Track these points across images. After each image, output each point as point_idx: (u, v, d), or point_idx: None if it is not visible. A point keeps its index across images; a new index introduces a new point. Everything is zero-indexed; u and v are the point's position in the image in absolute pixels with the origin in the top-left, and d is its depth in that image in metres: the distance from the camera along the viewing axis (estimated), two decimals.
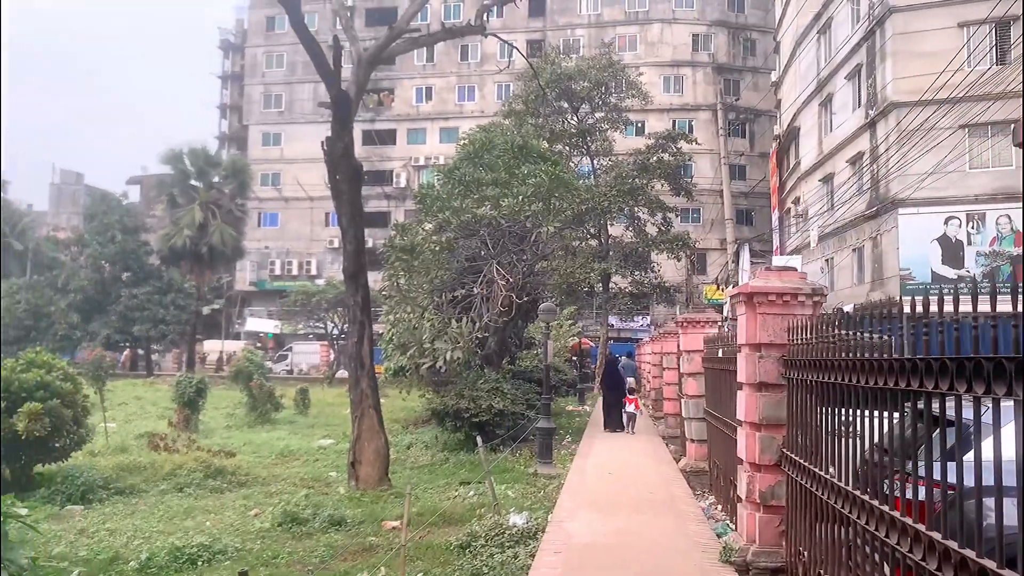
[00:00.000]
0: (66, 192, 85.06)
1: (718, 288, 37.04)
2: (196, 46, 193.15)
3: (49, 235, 60.63)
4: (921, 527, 3.52)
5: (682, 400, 13.47)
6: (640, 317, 47.91)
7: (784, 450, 6.42)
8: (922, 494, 3.67)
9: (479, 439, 9.93)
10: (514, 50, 17.24)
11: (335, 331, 47.13)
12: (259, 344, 53.71)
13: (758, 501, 6.63)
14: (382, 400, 12.97)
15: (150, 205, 57.73)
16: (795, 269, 7.17)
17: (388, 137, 59.26)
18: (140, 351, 49.00)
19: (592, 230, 33.58)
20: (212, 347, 54.89)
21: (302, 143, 57.88)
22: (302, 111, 60.23)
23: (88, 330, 44.59)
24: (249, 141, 62.42)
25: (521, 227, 17.49)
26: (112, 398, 24.69)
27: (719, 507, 9.72)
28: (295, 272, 58.34)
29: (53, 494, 10.64)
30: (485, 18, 14.29)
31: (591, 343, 39.37)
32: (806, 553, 5.67)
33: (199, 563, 7.73)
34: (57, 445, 11.23)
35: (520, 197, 16.24)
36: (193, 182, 45.77)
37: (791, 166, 37.55)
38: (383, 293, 19.33)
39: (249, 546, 8.38)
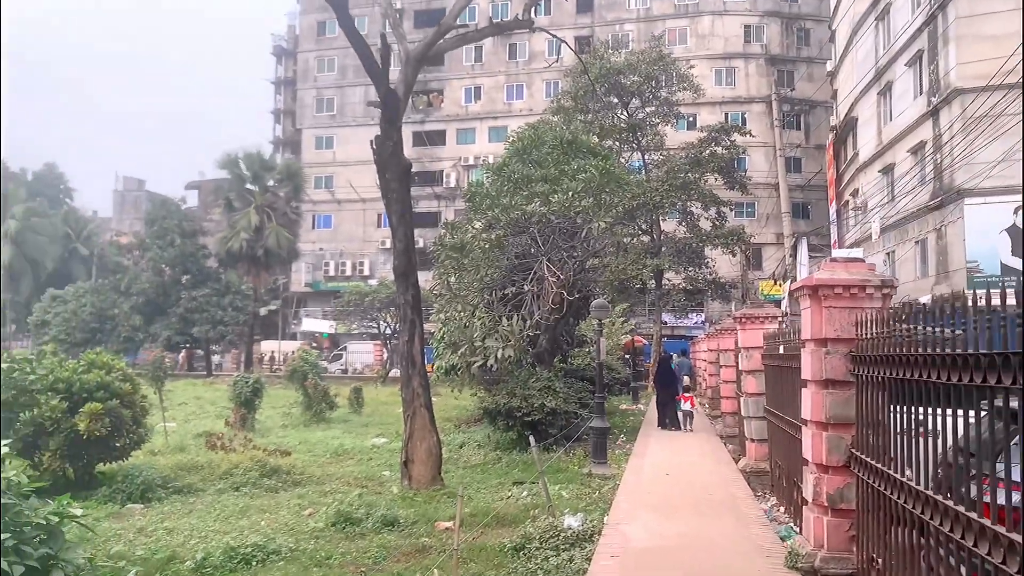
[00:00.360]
0: (129, 198, 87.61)
1: (775, 283, 36.21)
2: (252, 53, 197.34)
3: (112, 240, 62.52)
4: (1017, 537, 3.22)
5: (741, 398, 13.09)
6: (694, 314, 47.16)
7: (853, 451, 6.10)
8: (1008, 498, 3.38)
9: (532, 439, 9.75)
10: (562, 46, 17.02)
11: (388, 330, 47.52)
12: (315, 344, 54.50)
13: (826, 504, 6.31)
14: (434, 399, 12.90)
15: (208, 209, 59.07)
16: (863, 260, 6.81)
17: (438, 138, 59.53)
18: (200, 352, 50.15)
19: (644, 226, 33.13)
20: (269, 347, 55.91)
21: (354, 146, 58.55)
22: (353, 114, 60.91)
23: (150, 332, 45.80)
24: (302, 145, 63.40)
25: (571, 223, 17.26)
26: (172, 398, 25.27)
27: (782, 509, 9.38)
28: (348, 273, 59.04)
29: (114, 492, 10.80)
30: (532, 12, 14.12)
31: (644, 341, 38.87)
32: (880, 560, 5.35)
33: (253, 563, 7.72)
34: (118, 444, 11.40)
35: (570, 193, 16.00)
36: (249, 186, 46.71)
37: (849, 157, 36.46)
38: (433, 292, 19.31)
39: (303, 546, 8.35)
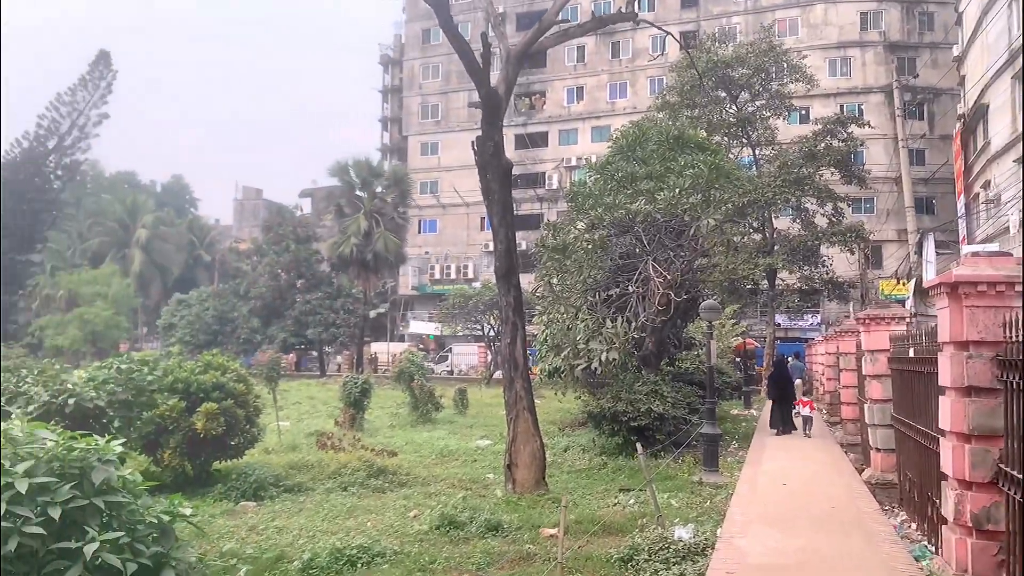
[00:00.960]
0: (248, 207, 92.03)
1: (898, 282, 34.13)
2: (360, 64, 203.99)
3: (233, 247, 65.72)
4: None
5: (864, 405, 12.25)
6: (809, 315, 45.13)
7: (1002, 466, 5.47)
8: None
9: (639, 445, 9.37)
10: (667, 41, 16.48)
11: (491, 332, 47.81)
12: (421, 346, 55.48)
13: (970, 524, 5.70)
14: (537, 401, 12.69)
15: (320, 216, 61.14)
16: (1010, 254, 6.13)
17: (540, 139, 59.52)
18: (314, 353, 51.95)
19: (755, 224, 31.89)
20: (379, 349, 57.36)
21: (457, 151, 59.28)
22: (457, 119, 61.72)
23: (267, 334, 47.78)
24: (408, 151, 64.76)
25: (679, 222, 16.69)
26: (287, 397, 26.15)
27: (913, 526, 8.65)
28: (453, 276, 59.84)
29: (229, 490, 11.13)
30: (636, 6, 13.71)
31: (755, 343, 37.46)
32: None
33: (359, 565, 7.71)
34: (232, 443, 11.77)
35: (677, 190, 15.47)
36: (359, 193, 48.07)
37: (979, 147, 33.94)
38: (535, 294, 19.10)
39: (407, 549, 8.30)
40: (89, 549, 5.00)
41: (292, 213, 58.28)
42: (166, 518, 5.75)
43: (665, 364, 18.89)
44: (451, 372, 50.54)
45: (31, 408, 9.47)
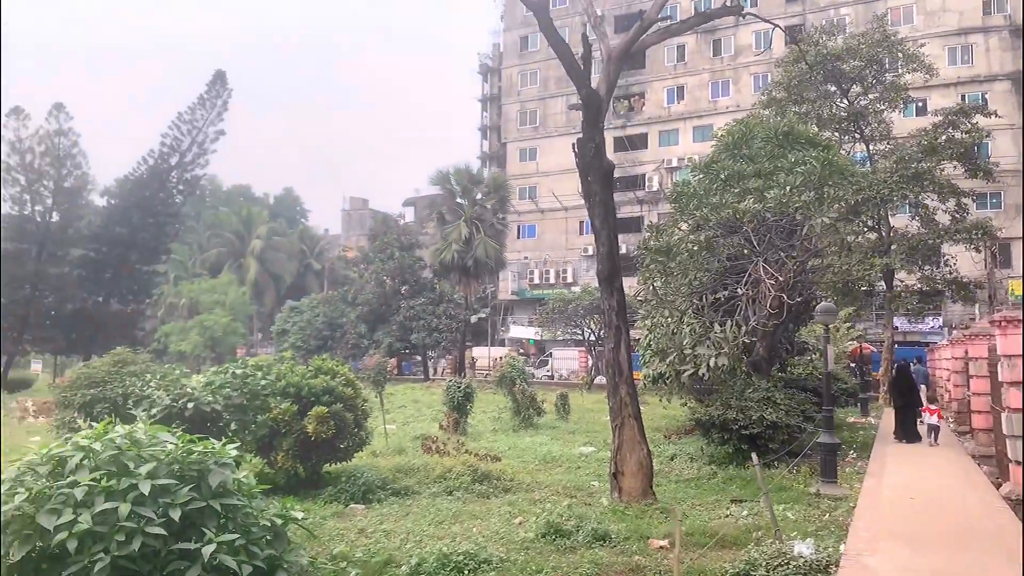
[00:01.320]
0: (355, 216, 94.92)
1: None
2: (460, 75, 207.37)
3: (341, 255, 67.91)
4: None
5: (1002, 414, 11.33)
6: (930, 318, 42.57)
7: None
8: None
9: (754, 456, 8.95)
10: (773, 35, 15.83)
11: (591, 337, 47.43)
12: (522, 350, 55.62)
13: None
14: (641, 408, 12.37)
15: (423, 223, 62.35)
16: None
17: (639, 141, 58.75)
18: (418, 357, 52.97)
19: (870, 222, 30.29)
20: (479, 353, 57.89)
21: (556, 156, 59.27)
22: (555, 124, 61.72)
23: (374, 338, 49.02)
24: (507, 158, 65.22)
25: (789, 221, 15.99)
26: (393, 401, 26.67)
27: None
28: (552, 280, 59.79)
29: (339, 492, 11.35)
30: None
31: (872, 348, 35.59)
32: None
33: (465, 572, 7.66)
34: (342, 446, 12.00)
35: (787, 188, 14.80)
36: (459, 200, 48.76)
37: None
38: (638, 298, 18.71)
39: (513, 557, 8.20)
40: (207, 551, 5.11)
41: (396, 222, 59.78)
42: (279, 521, 5.84)
43: (776, 370, 18.16)
44: (551, 377, 50.43)
45: (154, 411, 9.92)
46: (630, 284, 18.98)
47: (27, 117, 41.34)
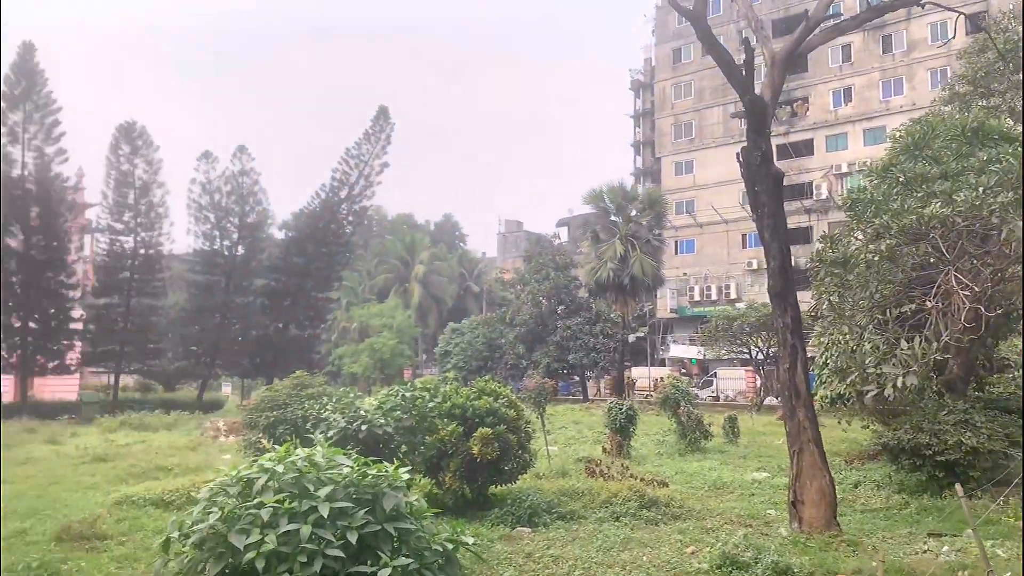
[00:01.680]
0: (510, 239, 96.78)
1: None
2: (611, 93, 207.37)
3: (498, 277, 69.30)
4: None
5: None
6: None
7: None
8: None
9: (957, 486, 8.05)
10: (954, 25, 14.51)
11: (759, 356, 45.39)
12: (684, 370, 54.19)
13: None
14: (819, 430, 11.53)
15: (577, 243, 62.46)
16: None
17: (804, 148, 56.04)
18: (575, 378, 52.85)
19: None
20: (639, 373, 56.94)
21: (713, 168, 57.71)
22: (712, 135, 60.14)
23: (532, 359, 49.44)
24: (662, 172, 64.21)
25: (984, 225, 14.44)
26: (553, 422, 26.61)
27: None
28: (714, 297, 57.97)
29: (505, 515, 11.34)
30: None
31: None
32: None
33: None
34: (506, 468, 12.02)
35: (980, 189, 13.39)
36: (613, 218, 48.42)
37: None
38: (810, 313, 17.59)
39: None
40: (383, 574, 5.16)
41: (550, 242, 60.15)
42: (450, 545, 5.84)
43: (973, 389, 16.45)
44: (716, 398, 48.71)
45: (331, 433, 10.35)
46: (802, 299, 17.94)
47: (215, 160, 45.38)
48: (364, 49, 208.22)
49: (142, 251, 42.02)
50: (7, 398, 39.44)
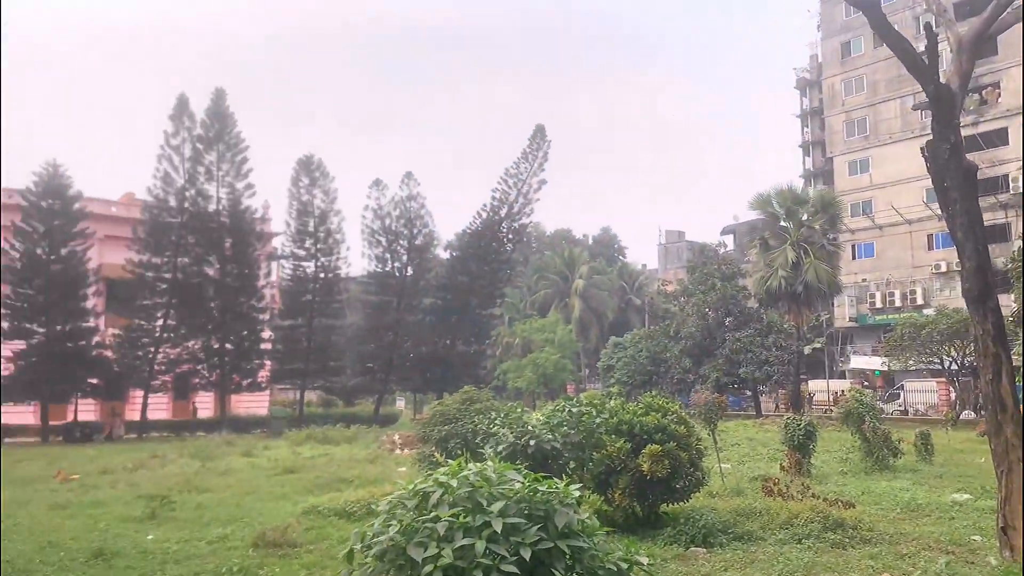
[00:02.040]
0: (671, 250, 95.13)
1: None
2: (772, 94, 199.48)
3: (660, 289, 68.12)
4: None
5: None
6: None
7: None
8: None
9: None
10: None
11: (953, 366, 41.67)
12: (866, 383, 50.74)
13: None
14: None
15: (743, 251, 60.37)
16: None
17: (996, 138, 51.16)
18: (747, 392, 50.82)
19: None
20: (816, 387, 53.89)
21: (892, 165, 53.97)
22: (888, 131, 56.27)
23: (699, 373, 48.07)
24: (834, 173, 60.85)
25: None
26: (725, 438, 25.64)
27: None
28: (898, 303, 54.00)
29: (678, 534, 11.00)
30: None
31: None
32: None
33: None
34: (677, 486, 11.68)
35: None
36: (783, 223, 46.38)
37: None
38: (1012, 318, 15.94)
39: None
40: None
41: (715, 251, 58.34)
42: (624, 565, 5.70)
43: None
44: (904, 412, 45.15)
45: (500, 448, 10.50)
46: (1002, 303, 16.28)
47: (385, 187, 47.95)
48: (511, 64, 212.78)
49: (322, 275, 45.10)
50: (208, 413, 43.43)
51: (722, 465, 17.63)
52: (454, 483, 5.79)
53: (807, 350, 52.94)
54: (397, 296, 47.12)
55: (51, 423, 38.10)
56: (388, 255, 47.65)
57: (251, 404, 46.44)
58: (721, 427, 24.27)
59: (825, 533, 11.08)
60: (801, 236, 44.48)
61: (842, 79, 60.25)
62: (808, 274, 42.95)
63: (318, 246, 44.79)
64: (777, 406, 51.43)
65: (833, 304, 55.48)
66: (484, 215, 49.27)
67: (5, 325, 37.15)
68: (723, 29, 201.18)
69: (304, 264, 45.31)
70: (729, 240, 75.13)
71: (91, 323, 39.69)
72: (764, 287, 44.34)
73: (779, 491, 13.93)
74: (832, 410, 38.83)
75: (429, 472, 6.30)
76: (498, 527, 5.28)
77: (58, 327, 37.58)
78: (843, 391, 35.66)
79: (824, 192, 51.37)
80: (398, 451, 25.61)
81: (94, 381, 39.17)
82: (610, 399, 12.68)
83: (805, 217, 45.76)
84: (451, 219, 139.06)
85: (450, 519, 5.38)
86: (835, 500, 13.29)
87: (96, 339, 39.79)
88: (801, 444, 18.19)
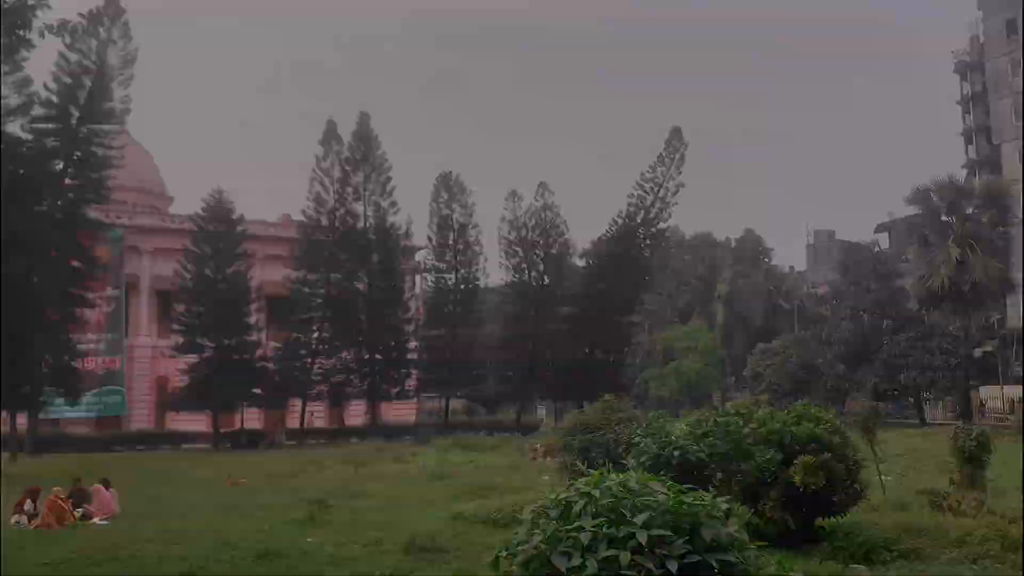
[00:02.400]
0: (820, 250, 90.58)
1: None
2: (927, 81, 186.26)
3: (809, 292, 65.01)
4: None
5: None
6: None
7: None
8: None
9: None
10: None
11: None
12: None
13: None
14: None
15: (900, 249, 56.69)
16: None
17: None
18: (910, 399, 47.57)
19: None
20: (989, 393, 49.55)
21: None
22: None
23: (854, 380, 45.43)
24: (1003, 161, 55.96)
25: None
26: (886, 449, 24.06)
27: None
28: None
29: (836, 550, 10.44)
30: None
31: None
32: None
33: None
34: (834, 499, 11.10)
35: None
36: (944, 218, 43.19)
37: None
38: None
39: None
40: None
41: (868, 250, 54.96)
42: None
43: None
44: None
45: (643, 459, 10.34)
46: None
47: (520, 198, 48.62)
48: (646, 67, 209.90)
49: (462, 286, 46.29)
50: (359, 421, 45.49)
51: (883, 477, 16.58)
52: (596, 493, 5.75)
53: (977, 353, 48.81)
54: (535, 305, 47.57)
55: (221, 431, 41.21)
56: (525, 265, 48.23)
57: (400, 412, 48.29)
58: (881, 436, 22.78)
59: (1005, 554, 10.16)
60: (966, 231, 41.16)
61: (1009, 59, 55.37)
62: (976, 271, 39.66)
63: (458, 258, 46.09)
64: (944, 414, 47.73)
65: (1007, 303, 50.88)
66: (620, 221, 48.92)
67: (180, 340, 40.60)
68: (873, 14, 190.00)
69: (445, 276, 46.72)
70: (883, 239, 70.62)
71: (254, 337, 42.66)
72: (925, 287, 41.34)
73: (949, 506, 12.95)
74: (1008, 419, 35.66)
75: (571, 481, 6.29)
76: (643, 539, 5.19)
77: (226, 341, 40.65)
78: (1020, 398, 32.58)
79: (991, 182, 47.35)
80: (540, 459, 25.78)
81: (258, 391, 42.05)
82: (758, 408, 12.22)
83: (971, 210, 42.36)
84: (591, 222, 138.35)
85: (594, 529, 5.35)
86: (1016, 518, 12.18)
87: (259, 352, 42.72)
88: (973, 456, 16.78)
